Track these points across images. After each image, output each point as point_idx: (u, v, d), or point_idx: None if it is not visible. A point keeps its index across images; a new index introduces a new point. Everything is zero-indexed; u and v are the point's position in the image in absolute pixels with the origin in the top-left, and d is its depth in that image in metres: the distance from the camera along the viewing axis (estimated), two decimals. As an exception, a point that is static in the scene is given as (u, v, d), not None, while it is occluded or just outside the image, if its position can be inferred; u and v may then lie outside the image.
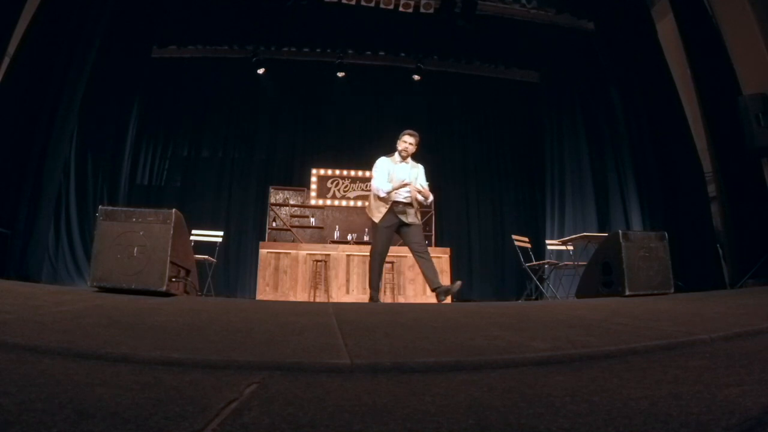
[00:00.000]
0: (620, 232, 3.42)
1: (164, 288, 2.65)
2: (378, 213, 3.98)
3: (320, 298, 6.11)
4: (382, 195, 3.96)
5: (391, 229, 3.99)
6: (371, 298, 3.94)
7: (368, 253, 4.14)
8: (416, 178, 4.12)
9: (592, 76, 7.01)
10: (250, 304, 3.00)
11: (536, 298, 6.23)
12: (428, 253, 4.00)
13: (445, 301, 3.98)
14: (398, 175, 4.06)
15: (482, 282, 7.75)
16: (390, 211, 3.95)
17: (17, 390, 0.85)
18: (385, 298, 6.24)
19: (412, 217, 4.03)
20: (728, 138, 4.48)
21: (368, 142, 8.24)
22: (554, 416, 0.80)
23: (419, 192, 4.02)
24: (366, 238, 7.21)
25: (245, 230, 7.57)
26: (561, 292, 5.68)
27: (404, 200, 4.02)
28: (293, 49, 7.91)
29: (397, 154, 4.17)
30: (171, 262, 2.73)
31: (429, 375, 1.10)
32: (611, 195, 6.50)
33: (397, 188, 3.97)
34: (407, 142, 4.14)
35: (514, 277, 7.61)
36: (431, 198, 4.21)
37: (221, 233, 5.55)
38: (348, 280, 6.33)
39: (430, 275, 3.88)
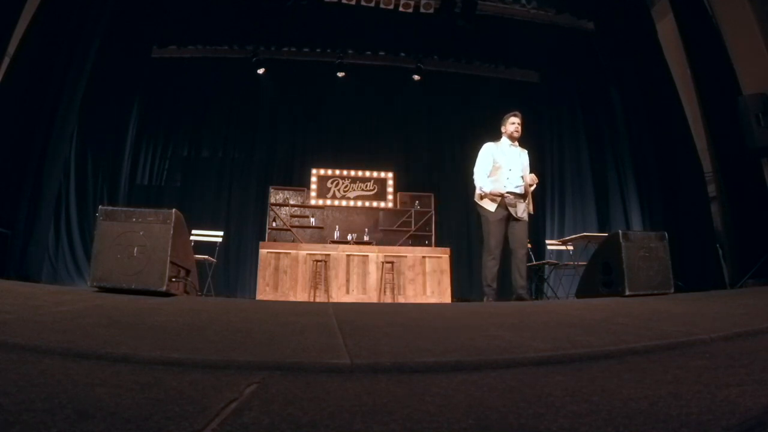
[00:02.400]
0: (620, 232, 3.42)
1: (164, 288, 2.65)
2: (486, 204, 3.81)
3: (320, 298, 6.11)
4: (479, 192, 3.82)
5: (503, 222, 3.80)
6: (485, 296, 3.77)
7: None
8: (525, 166, 3.94)
9: (592, 76, 7.02)
10: (250, 304, 2.99)
11: (536, 298, 6.23)
12: (526, 258, 3.84)
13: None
14: (506, 160, 3.87)
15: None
16: (500, 203, 3.78)
17: (17, 390, 0.85)
18: (385, 298, 6.24)
19: (522, 212, 3.83)
20: (728, 138, 4.48)
21: (368, 142, 8.24)
22: (554, 416, 0.80)
23: (531, 185, 3.84)
24: (366, 239, 7.20)
25: (245, 230, 7.57)
26: (561, 292, 5.68)
27: (517, 190, 3.81)
28: (293, 49, 7.91)
29: (505, 138, 3.99)
30: (171, 262, 2.73)
31: (429, 375, 1.10)
32: (611, 195, 6.50)
33: (496, 196, 3.79)
34: (516, 123, 3.95)
35: (514, 277, 7.59)
36: (536, 181, 3.96)
37: (221, 233, 5.55)
38: (348, 280, 6.33)
39: (516, 277, 3.77)
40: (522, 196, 3.86)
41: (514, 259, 3.83)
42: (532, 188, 3.93)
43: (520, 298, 3.76)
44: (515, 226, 3.84)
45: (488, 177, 3.88)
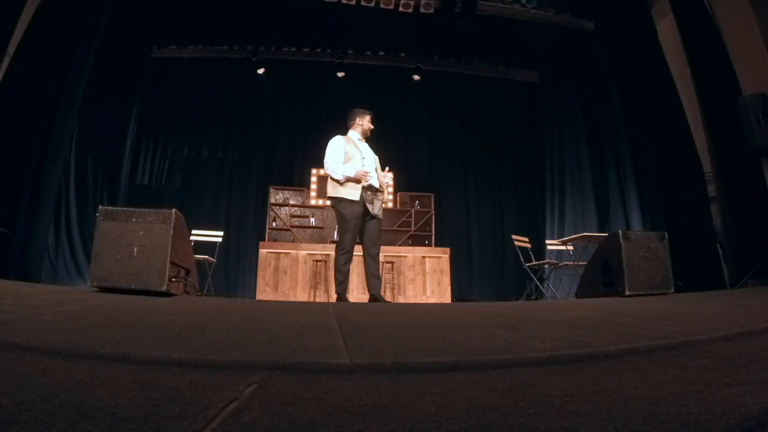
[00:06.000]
0: (620, 232, 3.42)
1: (164, 288, 2.65)
2: (348, 195, 3.62)
3: (320, 298, 6.11)
4: (340, 178, 3.63)
5: (360, 219, 3.62)
6: (344, 293, 3.66)
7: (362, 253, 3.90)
8: (378, 165, 3.86)
9: (592, 76, 7.01)
10: (250, 304, 2.99)
11: (536, 298, 6.23)
12: (378, 256, 3.73)
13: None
14: (359, 152, 3.77)
15: (482, 282, 7.75)
16: (360, 198, 3.60)
17: (17, 390, 0.85)
18: (385, 297, 6.24)
19: (378, 209, 3.71)
20: (728, 138, 4.47)
21: (368, 142, 8.25)
22: (554, 416, 0.80)
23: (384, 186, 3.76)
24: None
25: (245, 230, 7.57)
26: (561, 292, 5.68)
27: (375, 184, 3.70)
28: (293, 49, 7.91)
29: (354, 132, 3.93)
30: (171, 262, 2.73)
31: (429, 375, 1.10)
32: (611, 195, 6.50)
33: (360, 176, 3.61)
34: (371, 122, 3.94)
35: (514, 277, 7.60)
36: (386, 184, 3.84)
37: (221, 233, 5.55)
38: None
39: (371, 277, 3.64)
40: (378, 192, 3.75)
41: (367, 258, 3.69)
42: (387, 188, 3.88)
43: (376, 299, 3.61)
44: (370, 224, 3.71)
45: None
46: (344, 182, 3.67)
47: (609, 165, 6.63)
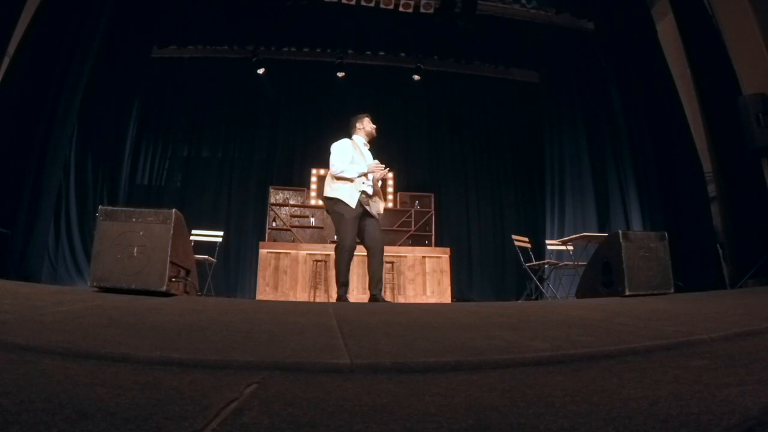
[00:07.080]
0: (620, 232, 3.42)
1: (164, 288, 2.65)
2: (345, 197, 3.64)
3: (320, 298, 6.11)
4: (344, 175, 3.65)
5: (357, 219, 3.66)
6: (344, 295, 3.69)
7: (365, 253, 3.90)
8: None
9: (592, 76, 7.01)
10: (250, 304, 2.99)
11: (536, 298, 6.23)
12: (383, 256, 3.76)
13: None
14: (362, 159, 3.79)
15: (482, 282, 7.75)
16: (357, 203, 3.65)
17: (17, 390, 0.85)
18: (385, 297, 6.24)
19: (375, 210, 3.78)
20: (728, 138, 4.48)
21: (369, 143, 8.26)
22: (554, 416, 0.80)
23: (380, 178, 3.79)
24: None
25: (245, 230, 7.57)
26: (561, 292, 5.68)
27: (369, 190, 3.75)
28: (293, 49, 7.91)
29: (359, 137, 3.93)
30: (171, 262, 2.73)
31: (429, 375, 1.10)
32: (611, 195, 6.50)
33: (372, 169, 3.68)
34: (373, 124, 3.95)
35: (514, 277, 7.60)
36: (381, 167, 3.85)
37: (221, 233, 5.55)
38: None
39: (374, 276, 3.65)
40: (372, 196, 3.78)
41: (371, 258, 3.70)
42: (379, 182, 3.88)
43: (376, 299, 3.62)
44: (371, 224, 3.73)
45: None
46: (356, 178, 3.69)
47: (609, 165, 6.63)
